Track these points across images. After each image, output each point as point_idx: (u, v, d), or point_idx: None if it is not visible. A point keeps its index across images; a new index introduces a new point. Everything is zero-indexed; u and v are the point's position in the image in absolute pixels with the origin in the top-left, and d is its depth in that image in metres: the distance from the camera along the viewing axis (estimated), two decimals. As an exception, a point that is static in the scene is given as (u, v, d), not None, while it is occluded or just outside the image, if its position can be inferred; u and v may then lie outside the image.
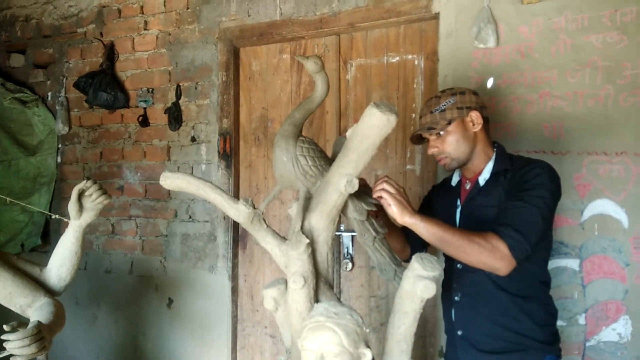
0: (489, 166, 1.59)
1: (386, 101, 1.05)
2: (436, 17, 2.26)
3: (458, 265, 1.57)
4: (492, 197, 1.52)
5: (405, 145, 2.42)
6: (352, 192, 1.13)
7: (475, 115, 1.54)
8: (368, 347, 1.03)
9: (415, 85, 2.40)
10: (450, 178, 1.77)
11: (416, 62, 2.40)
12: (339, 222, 1.29)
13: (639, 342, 1.91)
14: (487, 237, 1.35)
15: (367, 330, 1.05)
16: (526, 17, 2.08)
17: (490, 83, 2.13)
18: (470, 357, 1.54)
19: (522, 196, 1.42)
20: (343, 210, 1.27)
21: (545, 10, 2.05)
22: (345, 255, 2.49)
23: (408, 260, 1.62)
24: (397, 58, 2.44)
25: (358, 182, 1.12)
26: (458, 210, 1.64)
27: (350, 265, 2.48)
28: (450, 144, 1.56)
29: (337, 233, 1.33)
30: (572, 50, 2.01)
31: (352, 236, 2.48)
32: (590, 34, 1.98)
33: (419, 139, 1.66)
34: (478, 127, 1.55)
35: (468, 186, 1.64)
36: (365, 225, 1.31)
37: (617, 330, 1.94)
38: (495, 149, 1.61)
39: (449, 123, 1.54)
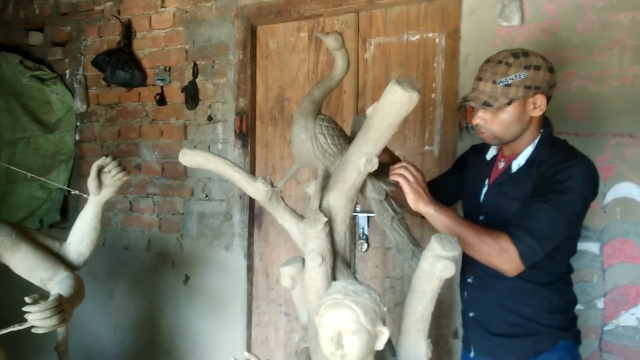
0: (527, 151, 1.44)
1: (408, 78, 1.03)
2: (458, -6, 2.20)
3: None
4: (520, 189, 1.41)
5: (424, 126, 2.38)
6: (372, 171, 1.11)
7: (541, 100, 1.36)
8: (385, 325, 1.03)
9: (435, 65, 2.35)
10: (487, 148, 1.61)
11: (437, 41, 2.35)
12: (356, 203, 1.28)
13: (658, 328, 1.89)
14: (499, 238, 1.30)
15: (385, 309, 1.04)
16: (552, -6, 2.01)
17: (513, 62, 2.07)
18: (481, 339, 1.53)
19: (549, 198, 1.31)
20: (361, 189, 1.26)
21: (572, -13, 1.98)
22: (361, 235, 2.49)
23: None
24: (418, 36, 2.39)
25: (377, 161, 1.10)
26: (484, 191, 1.54)
27: (365, 245, 2.48)
28: (500, 124, 1.40)
29: (353, 213, 1.32)
30: (599, 29, 1.94)
31: (368, 217, 2.47)
32: (619, 11, 1.91)
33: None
34: (538, 113, 1.38)
35: (501, 165, 1.51)
36: (383, 204, 1.29)
37: (636, 315, 1.91)
38: (541, 133, 1.45)
39: (510, 103, 1.36)
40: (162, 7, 2.89)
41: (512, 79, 1.34)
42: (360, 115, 1.57)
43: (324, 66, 2.60)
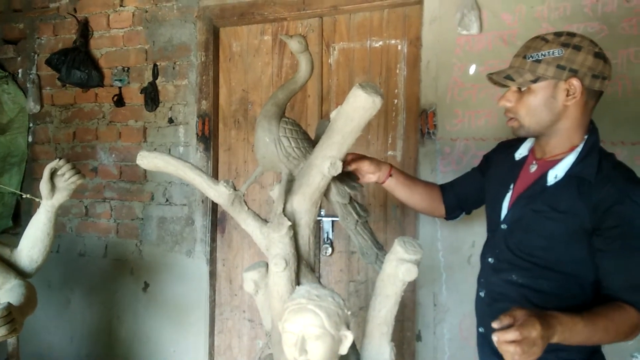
0: (567, 161, 1.23)
1: (371, 83, 1.04)
2: (420, 2, 2.24)
3: (489, 260, 1.36)
4: (557, 209, 1.20)
5: (387, 131, 2.41)
6: (336, 174, 1.11)
7: (575, 85, 1.16)
8: (349, 329, 1.03)
9: (398, 71, 2.39)
10: (516, 145, 1.41)
11: (399, 47, 2.38)
12: (320, 207, 1.27)
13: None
14: (627, 317, 1.10)
15: (349, 313, 1.04)
16: (509, 4, 2.08)
17: (472, 70, 2.13)
18: (487, 358, 1.37)
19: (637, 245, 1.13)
20: (326, 193, 1.25)
21: (528, -2, 2.05)
22: (325, 240, 2.49)
23: (450, 217, 1.60)
24: (381, 43, 2.42)
25: (341, 165, 1.11)
26: (507, 199, 1.34)
27: (330, 250, 2.48)
28: (525, 107, 1.22)
29: (317, 218, 1.30)
30: (553, 39, 2.02)
31: (333, 221, 2.47)
32: (572, 23, 1.99)
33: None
34: (571, 101, 1.18)
35: (533, 170, 1.30)
36: (347, 208, 1.30)
37: None
38: (585, 138, 1.23)
39: (535, 81, 1.19)
40: (120, 5, 2.82)
41: (545, 55, 1.17)
42: (324, 119, 1.57)
43: (288, 70, 2.59)
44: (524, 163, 1.36)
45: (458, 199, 1.58)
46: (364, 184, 1.52)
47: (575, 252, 1.20)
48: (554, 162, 1.25)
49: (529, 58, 1.20)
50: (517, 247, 1.28)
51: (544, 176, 1.25)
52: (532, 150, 1.36)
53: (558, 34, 1.20)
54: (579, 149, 1.23)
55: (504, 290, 1.29)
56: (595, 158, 1.21)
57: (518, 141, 1.41)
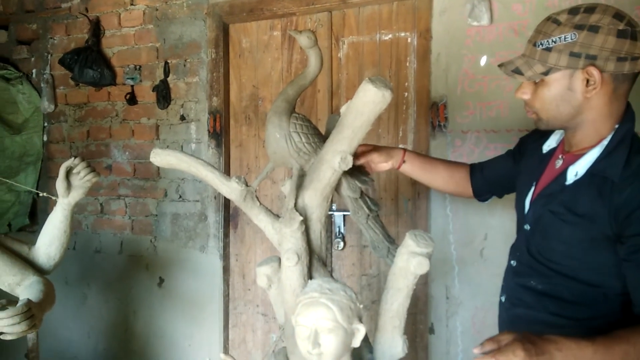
0: (591, 155, 1.08)
1: (381, 77, 1.04)
2: (429, -7, 2.23)
3: (512, 262, 1.27)
4: (575, 211, 1.07)
5: (397, 124, 2.40)
6: (346, 169, 1.12)
7: (593, 75, 1.01)
8: (361, 322, 1.04)
9: (408, 64, 2.38)
10: (547, 135, 1.27)
11: (409, 40, 2.37)
12: (332, 201, 1.27)
13: None
14: None
15: (361, 306, 1.05)
16: (520, -6, 2.06)
17: (483, 61, 2.12)
18: None
19: None
20: (337, 187, 1.26)
21: (539, -13, 2.03)
22: (337, 234, 2.50)
23: (481, 199, 1.52)
24: (390, 36, 2.41)
25: (352, 160, 1.11)
26: (529, 196, 1.23)
27: (342, 244, 2.49)
28: (541, 100, 1.10)
29: (329, 212, 1.30)
30: (565, 29, 1.99)
31: (344, 215, 2.48)
32: (584, 11, 1.97)
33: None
34: (591, 93, 1.03)
35: (558, 165, 1.17)
36: (358, 202, 1.30)
37: None
38: (616, 128, 1.07)
39: (547, 73, 1.05)
40: (131, 4, 2.84)
41: (555, 42, 1.02)
42: (334, 114, 1.57)
43: (298, 65, 2.59)
44: (551, 156, 1.22)
45: (487, 183, 1.48)
46: (377, 174, 1.49)
47: (596, 260, 1.07)
48: (578, 157, 1.10)
49: (539, 46, 1.05)
50: (537, 251, 1.17)
51: (564, 173, 1.12)
52: (561, 142, 1.21)
53: (574, 11, 1.03)
54: (605, 142, 1.07)
55: (522, 295, 1.20)
56: (624, 152, 1.04)
57: (546, 134, 1.28)
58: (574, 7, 1.04)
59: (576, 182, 1.09)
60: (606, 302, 1.08)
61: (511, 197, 2.06)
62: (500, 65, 1.16)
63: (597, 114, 1.06)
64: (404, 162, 1.47)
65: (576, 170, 1.10)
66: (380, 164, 1.45)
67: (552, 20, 1.05)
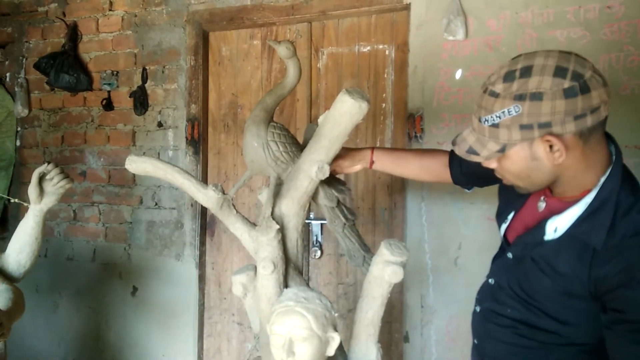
0: (572, 212, 1.00)
1: (358, 88, 1.06)
2: (407, 7, 2.27)
3: (490, 280, 1.24)
4: (561, 266, 1.01)
5: (375, 135, 2.43)
6: (323, 178, 1.13)
7: (554, 141, 0.90)
8: (336, 331, 1.04)
9: (385, 75, 2.41)
10: None
11: (387, 52, 2.41)
12: (309, 210, 1.28)
13: None
14: None
15: (336, 315, 1.06)
16: (494, 10, 2.12)
17: (459, 75, 2.17)
18: None
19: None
20: (313, 197, 1.27)
21: (512, 4, 2.09)
22: (314, 243, 2.50)
23: (463, 187, 1.45)
24: (369, 47, 2.44)
25: (329, 169, 1.12)
26: (506, 224, 1.20)
27: (319, 252, 2.49)
28: (509, 172, 1.02)
29: (306, 221, 1.30)
30: (537, 45, 2.06)
31: (322, 224, 2.49)
32: (555, 28, 2.04)
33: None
34: (559, 159, 0.93)
35: (541, 208, 1.10)
36: (335, 211, 1.31)
37: None
38: (601, 183, 0.97)
39: (503, 149, 0.96)
40: (110, 9, 2.82)
41: (499, 117, 0.92)
42: (313, 124, 1.58)
43: (277, 74, 2.61)
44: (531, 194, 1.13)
45: (465, 175, 1.40)
46: (355, 184, 1.50)
47: (576, 308, 1.02)
48: (560, 209, 1.03)
49: (484, 122, 0.96)
50: (518, 283, 1.12)
51: (543, 225, 1.05)
52: None
53: (508, 78, 0.92)
54: (588, 199, 0.98)
55: (495, 318, 1.18)
56: (607, 214, 0.94)
57: None
58: (508, 73, 0.93)
59: (556, 241, 1.02)
60: (582, 335, 1.05)
61: (486, 207, 2.10)
62: (453, 142, 1.08)
63: (575, 171, 0.97)
64: (373, 161, 1.47)
65: (555, 226, 1.02)
66: (348, 168, 1.45)
67: (489, 93, 0.95)
